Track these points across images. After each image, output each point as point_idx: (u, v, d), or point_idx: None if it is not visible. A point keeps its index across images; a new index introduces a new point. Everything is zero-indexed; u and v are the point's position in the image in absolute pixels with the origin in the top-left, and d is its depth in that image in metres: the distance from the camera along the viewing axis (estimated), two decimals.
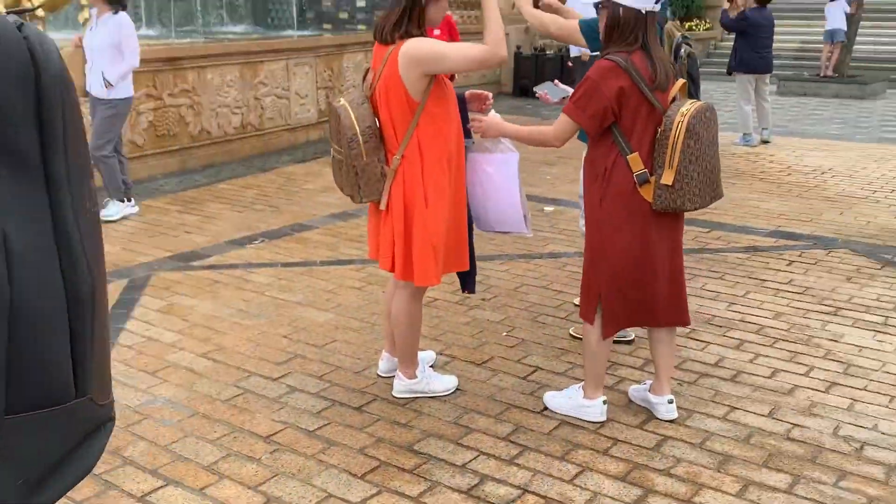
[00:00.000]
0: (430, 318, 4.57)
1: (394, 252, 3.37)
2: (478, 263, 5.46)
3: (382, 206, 3.35)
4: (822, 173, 8.44)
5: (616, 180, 3.16)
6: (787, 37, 17.53)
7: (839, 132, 10.88)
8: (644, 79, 3.06)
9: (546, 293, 5.02)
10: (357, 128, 3.22)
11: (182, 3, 14.45)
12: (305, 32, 14.85)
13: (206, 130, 8.51)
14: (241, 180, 8.02)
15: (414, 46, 3.17)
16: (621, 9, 3.06)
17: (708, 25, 18.22)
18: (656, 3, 3.07)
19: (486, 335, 4.40)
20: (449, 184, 3.35)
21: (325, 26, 16.53)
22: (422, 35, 3.25)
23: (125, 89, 6.38)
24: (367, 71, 3.49)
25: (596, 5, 3.19)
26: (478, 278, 5.18)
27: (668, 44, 3.86)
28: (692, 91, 3.82)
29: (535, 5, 4.30)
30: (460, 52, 3.35)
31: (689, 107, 3.04)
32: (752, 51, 9.86)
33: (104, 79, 6.15)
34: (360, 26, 15.67)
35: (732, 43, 10.28)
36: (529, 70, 14.28)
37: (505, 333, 4.42)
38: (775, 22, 10.53)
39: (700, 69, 13.92)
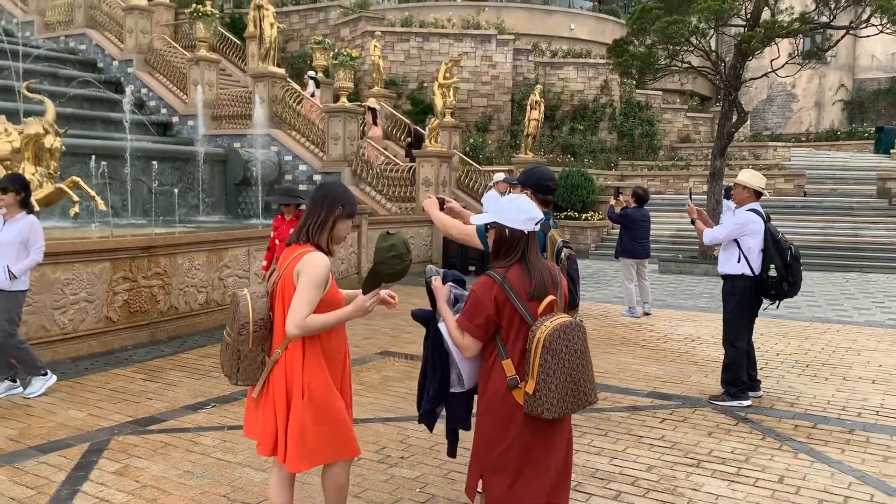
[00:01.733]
0: (355, 476, 4.50)
1: (276, 438, 3.17)
2: (399, 424, 5.48)
3: (255, 394, 3.20)
4: (692, 341, 8.73)
5: (494, 379, 3.03)
6: (665, 225, 18.51)
7: (707, 305, 11.32)
8: (517, 292, 2.97)
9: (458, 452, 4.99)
10: (251, 317, 3.10)
11: (163, 196, 14.71)
12: (269, 221, 15.17)
13: (174, 307, 8.49)
14: (201, 350, 7.93)
15: (309, 270, 3.08)
16: (507, 230, 3.02)
17: (601, 216, 19.15)
18: (536, 224, 3.03)
19: (402, 491, 4.33)
20: (331, 376, 3.21)
21: None
22: (328, 249, 3.20)
23: (25, 282, 6.07)
24: (273, 270, 3.31)
25: (486, 225, 3.14)
26: (399, 438, 5.20)
27: (552, 248, 4.01)
28: (571, 288, 3.98)
29: (441, 209, 4.43)
30: (305, 308, 3.05)
31: (549, 323, 2.89)
32: (632, 240, 10.40)
33: (9, 271, 5.88)
34: None
35: (619, 233, 10.82)
36: (456, 250, 14.69)
37: (419, 489, 4.36)
38: (655, 214, 11.20)
39: (593, 253, 14.44)
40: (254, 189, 16.44)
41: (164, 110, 19.63)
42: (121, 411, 5.76)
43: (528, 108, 19.37)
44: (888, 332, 9.24)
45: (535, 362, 2.87)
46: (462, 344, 3.05)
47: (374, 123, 18.86)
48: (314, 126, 17.53)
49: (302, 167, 17.14)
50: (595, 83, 25.08)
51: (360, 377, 6.81)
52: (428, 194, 16.10)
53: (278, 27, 18.40)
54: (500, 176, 13.78)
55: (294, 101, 18.03)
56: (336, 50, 18.95)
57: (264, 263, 8.48)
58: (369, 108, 19.01)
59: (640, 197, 10.55)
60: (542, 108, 19.76)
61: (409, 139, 19.48)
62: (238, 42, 23.27)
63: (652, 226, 10.84)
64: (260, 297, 3.16)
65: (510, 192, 4.38)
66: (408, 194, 16.94)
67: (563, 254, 3.93)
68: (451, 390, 3.20)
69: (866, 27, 14.31)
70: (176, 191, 14.35)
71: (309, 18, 25.41)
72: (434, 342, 3.33)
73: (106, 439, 5.11)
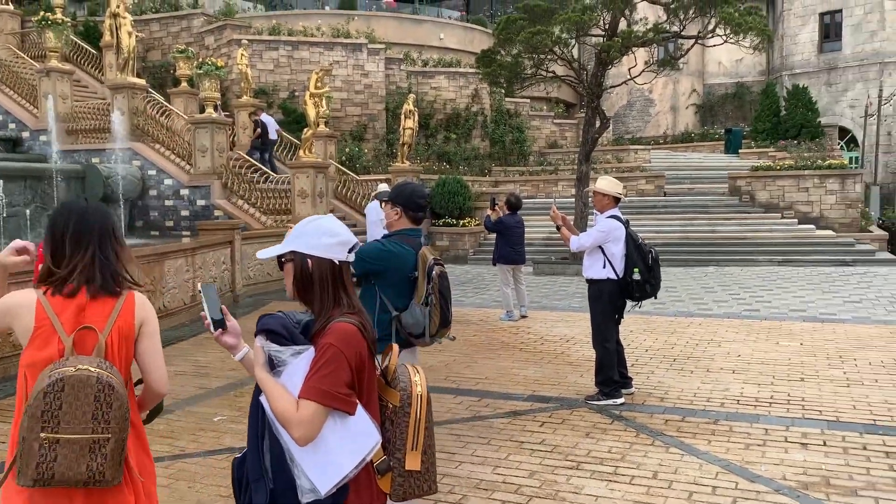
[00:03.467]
0: None
1: None
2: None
3: (142, 478, 2.52)
4: (567, 341, 8.96)
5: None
6: (537, 229, 18.99)
7: (579, 305, 11.64)
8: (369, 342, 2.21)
9: None
10: (125, 396, 2.34)
11: (13, 218, 13.62)
12: (132, 240, 14.38)
13: None
14: None
15: (154, 318, 2.55)
16: (309, 261, 2.21)
17: (478, 222, 19.45)
18: (351, 251, 2.27)
19: None
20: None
21: (153, 233, 16.13)
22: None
23: None
24: (78, 332, 2.40)
25: (280, 258, 2.27)
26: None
27: (423, 266, 3.96)
28: (444, 306, 3.96)
29: None
30: (161, 361, 2.60)
31: (418, 375, 2.31)
32: (508, 247, 10.58)
33: None
34: (184, 232, 15.42)
35: (495, 240, 10.97)
36: None
37: None
38: (527, 218, 11.44)
39: (471, 258, 14.52)
40: (116, 206, 15.53)
41: (12, 125, 18.21)
42: None
43: (403, 116, 19.42)
44: (744, 323, 9.86)
45: (421, 427, 2.25)
46: (300, 421, 2.02)
47: (254, 131, 18.45)
48: (180, 138, 16.79)
49: (168, 181, 16.37)
50: (466, 92, 25.49)
51: (237, 402, 6.52)
52: (304, 205, 15.78)
53: (137, 36, 17.50)
54: (383, 186, 13.69)
55: (158, 113, 17.21)
56: (200, 59, 18.25)
57: None
58: (251, 114, 18.60)
59: (513, 204, 10.76)
60: (417, 117, 19.86)
61: (256, 129, 18.86)
62: (94, 52, 21.97)
63: (526, 230, 11.09)
64: (110, 367, 2.37)
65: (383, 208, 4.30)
66: (283, 206, 16.53)
67: (434, 271, 3.89)
68: (303, 502, 2.07)
69: (712, 37, 15.30)
70: (28, 212, 13.32)
71: (170, 27, 24.35)
72: (259, 427, 2.17)
73: None
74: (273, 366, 2.13)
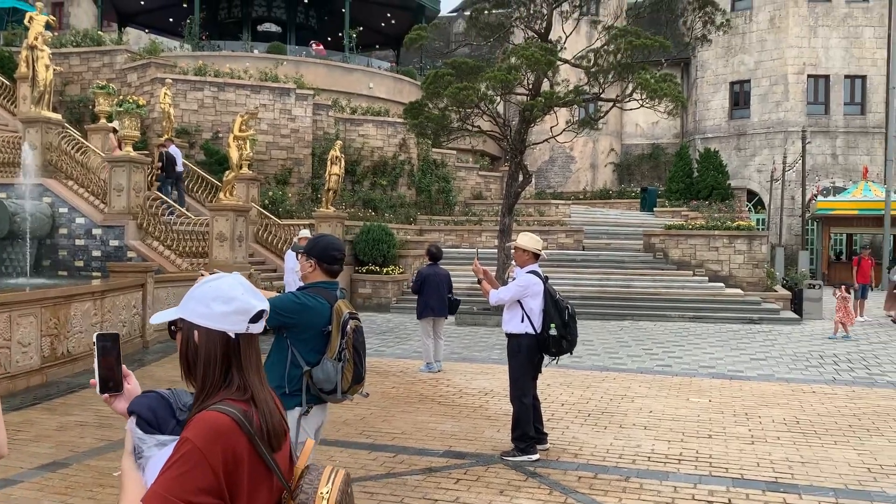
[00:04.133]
0: None
1: None
2: None
3: None
4: (486, 394, 8.96)
5: None
6: (461, 278, 19.11)
7: (499, 357, 11.69)
8: (264, 440, 1.77)
9: None
10: None
11: None
12: (39, 280, 13.71)
13: None
14: None
15: None
16: (196, 332, 1.80)
17: (402, 270, 19.45)
18: (255, 321, 1.82)
19: None
20: None
21: (61, 273, 15.44)
22: None
23: None
24: None
25: (170, 326, 1.86)
26: None
27: (337, 320, 3.91)
28: (357, 361, 3.90)
29: None
30: (2, 421, 2.30)
31: (329, 486, 1.83)
32: (429, 300, 10.54)
33: None
34: (94, 273, 14.82)
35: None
36: None
37: None
38: (451, 268, 11.43)
39: (394, 307, 14.42)
40: (21, 244, 14.81)
41: None
42: None
43: (329, 162, 19.37)
44: (656, 378, 10.11)
45: None
46: None
47: (119, 147, 17.69)
48: (95, 176, 16.24)
49: (80, 220, 15.75)
50: (394, 140, 25.71)
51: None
52: (223, 248, 15.43)
53: (56, 69, 16.98)
54: (305, 232, 13.50)
55: (72, 149, 16.64)
56: (122, 96, 17.81)
57: None
58: (113, 130, 17.91)
59: (434, 254, 10.79)
60: (343, 163, 19.86)
61: (159, 163, 18.30)
62: (8, 83, 21.20)
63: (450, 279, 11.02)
64: None
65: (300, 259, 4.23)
66: (201, 249, 16.11)
67: (349, 325, 3.84)
68: None
69: (630, 101, 15.98)
70: None
71: (92, 62, 23.76)
72: None
73: None
74: (138, 456, 1.79)
